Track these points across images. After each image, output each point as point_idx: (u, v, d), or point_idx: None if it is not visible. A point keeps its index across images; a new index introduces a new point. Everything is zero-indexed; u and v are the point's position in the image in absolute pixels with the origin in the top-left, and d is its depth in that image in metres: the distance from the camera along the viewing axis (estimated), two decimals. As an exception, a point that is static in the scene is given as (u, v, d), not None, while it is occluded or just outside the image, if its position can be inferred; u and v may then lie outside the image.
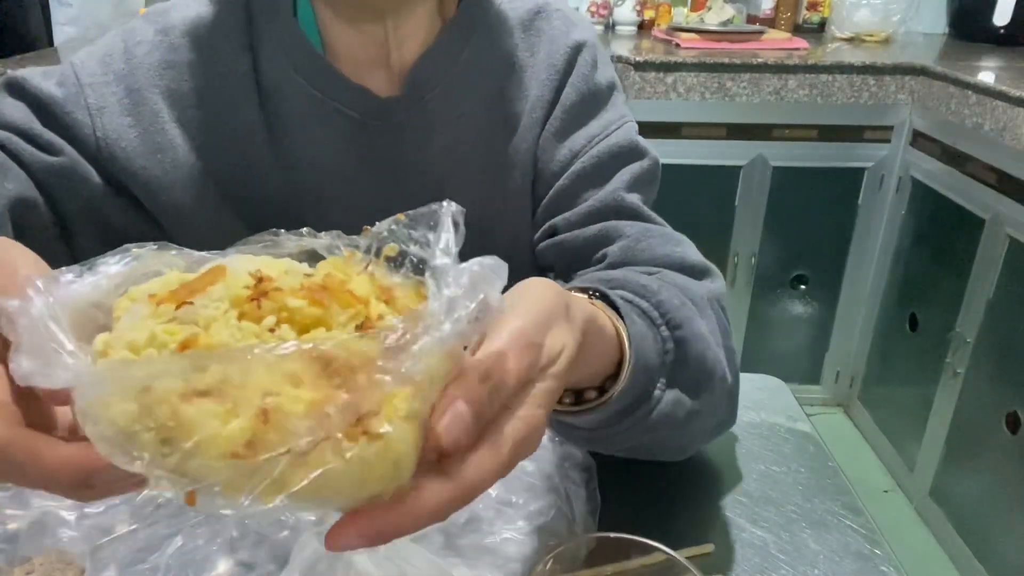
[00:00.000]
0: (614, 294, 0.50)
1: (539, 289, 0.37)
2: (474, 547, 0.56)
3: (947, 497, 1.86)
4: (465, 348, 0.32)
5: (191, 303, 0.28)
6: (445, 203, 0.32)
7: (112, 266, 0.32)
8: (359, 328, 0.29)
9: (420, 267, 0.33)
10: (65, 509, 0.57)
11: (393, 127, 0.67)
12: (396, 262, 0.33)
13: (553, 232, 0.70)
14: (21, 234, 0.59)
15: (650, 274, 0.60)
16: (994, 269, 1.67)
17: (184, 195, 0.66)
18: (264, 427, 0.26)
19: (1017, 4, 2.16)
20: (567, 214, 0.68)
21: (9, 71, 0.67)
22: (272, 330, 0.29)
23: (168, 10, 0.67)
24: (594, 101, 0.70)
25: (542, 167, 0.70)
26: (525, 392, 0.34)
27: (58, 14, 2.02)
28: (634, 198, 0.68)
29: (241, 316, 0.28)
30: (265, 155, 0.67)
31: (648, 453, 0.61)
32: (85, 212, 0.65)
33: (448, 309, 0.29)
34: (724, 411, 0.62)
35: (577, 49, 0.70)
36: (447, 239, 0.31)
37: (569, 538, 0.45)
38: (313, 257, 0.34)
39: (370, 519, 0.29)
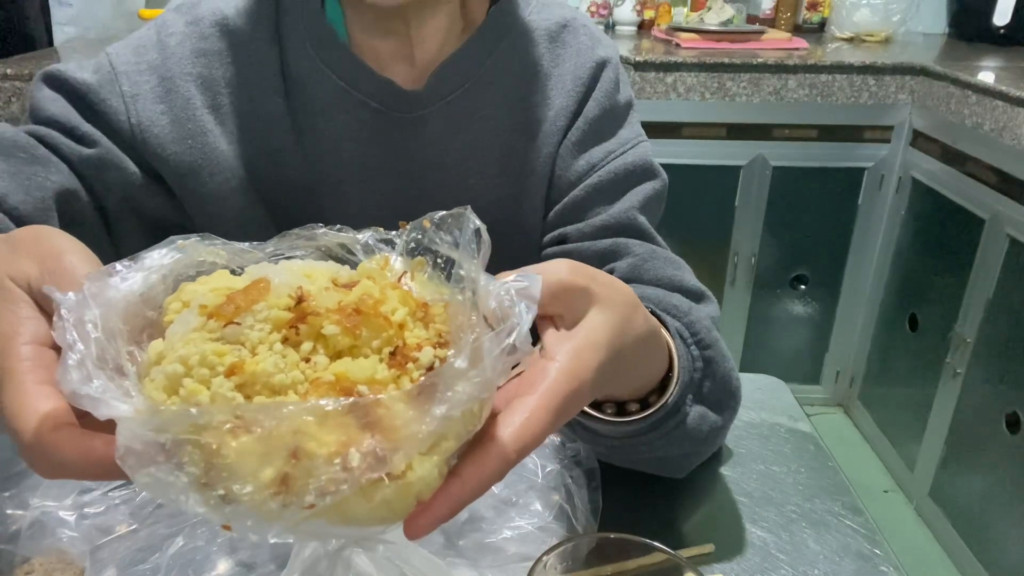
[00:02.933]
0: (659, 312, 0.53)
1: (600, 317, 0.39)
2: (475, 547, 0.56)
3: (947, 497, 1.85)
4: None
5: (238, 323, 0.30)
6: (469, 216, 0.34)
7: (158, 259, 0.33)
8: (392, 356, 0.31)
9: (450, 269, 0.34)
10: (65, 510, 0.57)
11: (415, 120, 0.69)
12: (432, 267, 0.35)
13: (563, 240, 0.71)
14: (66, 226, 0.61)
15: None
16: (994, 269, 1.67)
17: (212, 181, 0.68)
18: (295, 464, 0.28)
19: (1017, 4, 2.16)
20: (579, 224, 0.70)
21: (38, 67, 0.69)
22: (307, 359, 0.30)
23: (198, 2, 0.69)
24: (614, 118, 0.72)
25: (559, 174, 0.72)
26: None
27: (58, 14, 2.02)
28: (644, 218, 0.70)
29: (284, 340, 0.30)
30: (289, 143, 0.69)
31: (656, 467, 0.63)
32: (123, 202, 0.67)
33: (472, 360, 0.30)
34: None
35: (602, 65, 0.72)
36: (470, 267, 0.33)
37: (570, 538, 0.45)
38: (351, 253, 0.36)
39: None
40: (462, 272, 0.33)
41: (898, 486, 2.06)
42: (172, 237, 0.34)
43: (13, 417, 0.30)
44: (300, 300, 0.31)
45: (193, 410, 0.28)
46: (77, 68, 0.66)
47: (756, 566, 0.58)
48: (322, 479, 0.28)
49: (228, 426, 0.27)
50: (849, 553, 0.59)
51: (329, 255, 0.36)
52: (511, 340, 0.31)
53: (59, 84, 0.65)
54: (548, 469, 0.62)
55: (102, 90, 0.65)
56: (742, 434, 0.73)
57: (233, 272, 0.34)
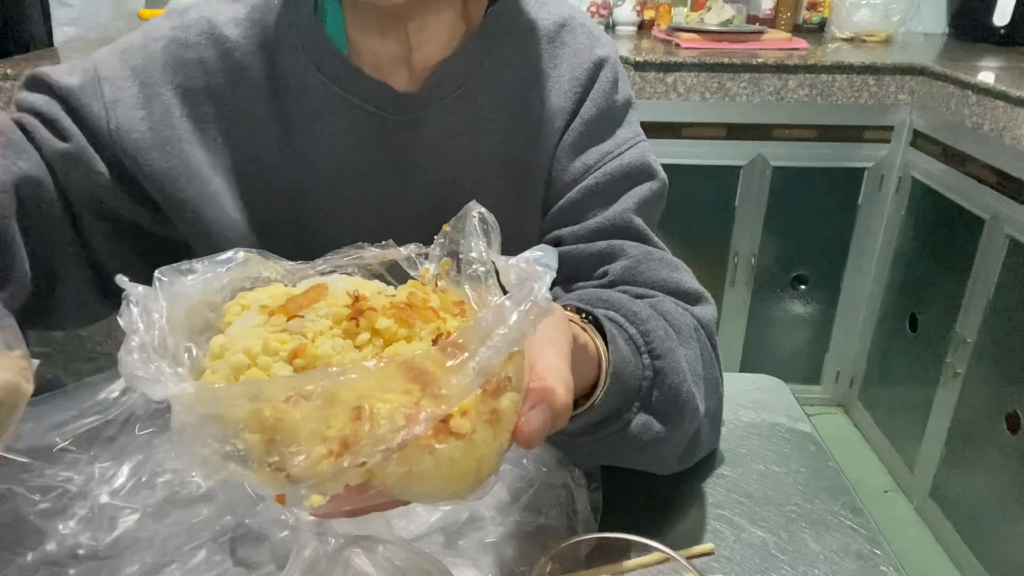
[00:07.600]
0: (605, 318, 0.53)
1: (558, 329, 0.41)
2: (475, 546, 0.56)
3: (947, 497, 1.86)
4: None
5: (301, 316, 0.32)
6: (472, 206, 0.37)
7: (222, 265, 0.36)
8: (434, 342, 0.33)
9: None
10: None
11: (411, 123, 0.68)
12: (456, 268, 0.38)
13: (558, 242, 0.71)
14: (27, 211, 0.61)
15: (645, 297, 0.63)
16: (994, 269, 1.67)
17: (190, 187, 0.68)
18: (357, 425, 0.29)
19: (1017, 4, 2.16)
20: (574, 227, 0.70)
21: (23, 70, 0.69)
22: (360, 348, 0.33)
23: (188, 9, 0.69)
24: (611, 118, 0.72)
25: (555, 176, 0.71)
26: None
27: (58, 14, 2.02)
28: (640, 220, 0.70)
29: (344, 334, 0.33)
30: (277, 149, 0.69)
31: (625, 464, 0.63)
32: (90, 200, 0.67)
33: (497, 319, 0.32)
34: (705, 435, 0.64)
35: (600, 65, 0.71)
36: (478, 247, 0.36)
37: (570, 538, 0.45)
38: (392, 268, 0.40)
39: None
40: (472, 255, 0.36)
41: (898, 486, 2.06)
42: (237, 248, 0.37)
43: None
44: (358, 299, 0.33)
45: (245, 385, 0.30)
46: (65, 72, 0.66)
47: (756, 566, 0.58)
48: (384, 430, 0.29)
49: (285, 397, 0.28)
50: (849, 553, 0.59)
51: (372, 275, 0.40)
52: (533, 298, 0.33)
53: (44, 87, 0.66)
54: (548, 469, 0.62)
55: (84, 95, 0.65)
56: (742, 434, 0.73)
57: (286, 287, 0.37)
